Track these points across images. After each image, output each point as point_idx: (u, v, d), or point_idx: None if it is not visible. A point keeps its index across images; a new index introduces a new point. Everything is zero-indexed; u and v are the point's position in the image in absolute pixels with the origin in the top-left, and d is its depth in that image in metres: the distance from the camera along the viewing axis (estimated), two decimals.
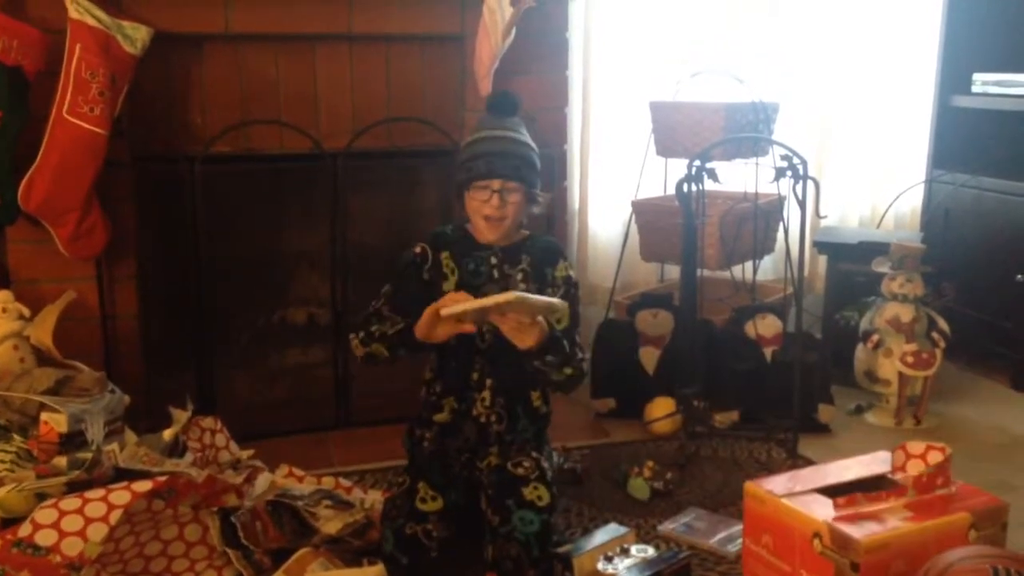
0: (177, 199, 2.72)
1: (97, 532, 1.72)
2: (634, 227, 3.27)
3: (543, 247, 2.25)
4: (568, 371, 2.11)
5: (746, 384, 2.89)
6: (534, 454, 2.14)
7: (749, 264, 3.04)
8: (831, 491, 1.89)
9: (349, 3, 2.79)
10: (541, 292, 2.18)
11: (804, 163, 2.59)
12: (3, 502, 1.83)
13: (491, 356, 2.18)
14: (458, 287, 2.17)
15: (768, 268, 3.49)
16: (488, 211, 2.13)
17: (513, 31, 2.84)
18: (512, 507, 2.01)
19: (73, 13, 2.47)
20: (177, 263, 2.79)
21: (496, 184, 2.12)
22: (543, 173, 2.98)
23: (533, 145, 2.20)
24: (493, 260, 2.20)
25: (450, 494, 2.09)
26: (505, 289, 2.17)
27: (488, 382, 2.19)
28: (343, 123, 2.92)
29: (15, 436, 2.11)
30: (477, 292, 2.17)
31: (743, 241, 3.00)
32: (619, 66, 3.41)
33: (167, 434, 2.23)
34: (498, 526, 2.01)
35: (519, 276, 2.20)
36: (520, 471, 2.08)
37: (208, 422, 2.39)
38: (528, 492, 2.04)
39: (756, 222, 2.92)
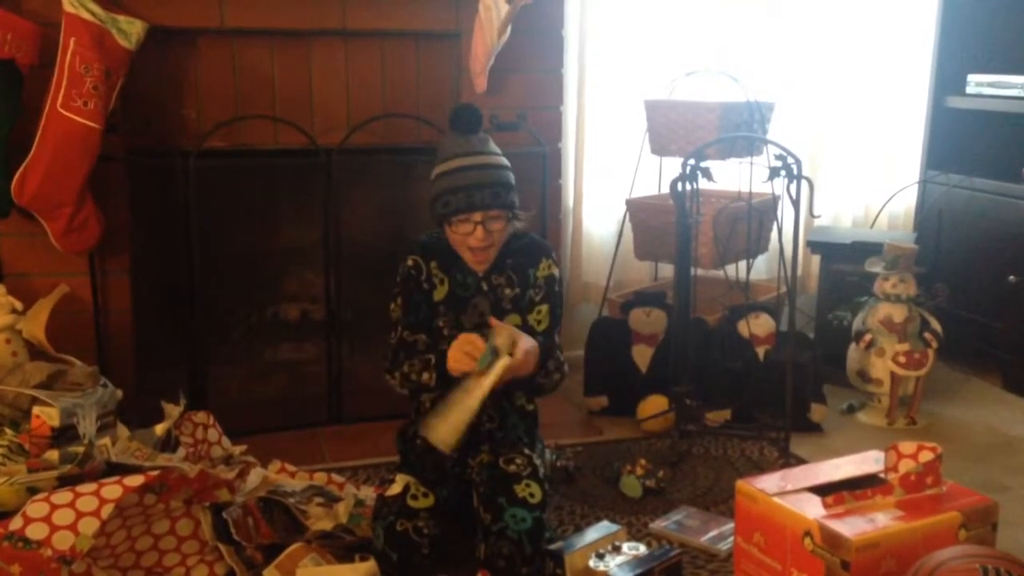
0: (171, 194, 2.72)
1: (88, 526, 1.72)
2: (628, 225, 3.27)
3: (525, 247, 2.22)
4: (557, 376, 2.16)
5: (739, 383, 2.90)
6: (526, 451, 2.14)
7: (743, 263, 3.04)
8: (823, 490, 1.89)
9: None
10: (523, 294, 2.19)
11: (798, 163, 2.59)
12: None
13: None
14: (447, 297, 2.18)
15: (761, 267, 3.50)
16: (473, 243, 2.10)
17: (509, 28, 2.84)
18: (504, 504, 2.01)
19: (68, 7, 2.46)
20: (170, 258, 2.78)
21: (478, 216, 2.08)
22: (536, 171, 3.00)
23: (505, 162, 2.15)
24: (480, 273, 2.19)
25: (441, 491, 2.09)
26: (495, 300, 2.17)
27: None
28: (338, 119, 2.92)
29: (7, 430, 2.11)
30: (465, 304, 2.18)
31: (737, 240, 3.01)
32: (614, 64, 3.41)
33: (159, 429, 2.23)
34: (490, 524, 2.01)
35: (505, 281, 2.19)
36: (512, 468, 2.08)
37: (200, 417, 2.39)
38: (520, 489, 2.03)
39: (750, 221, 2.92)
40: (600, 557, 1.94)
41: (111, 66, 2.51)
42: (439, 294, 2.18)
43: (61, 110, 2.47)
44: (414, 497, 2.06)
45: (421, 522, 2.02)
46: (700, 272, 2.98)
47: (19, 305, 2.48)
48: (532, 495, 2.03)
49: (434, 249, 2.20)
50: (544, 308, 2.21)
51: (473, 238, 2.10)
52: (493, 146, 2.17)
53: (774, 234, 2.99)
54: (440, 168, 2.14)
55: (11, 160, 2.51)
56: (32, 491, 1.82)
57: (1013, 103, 3.42)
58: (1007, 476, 2.64)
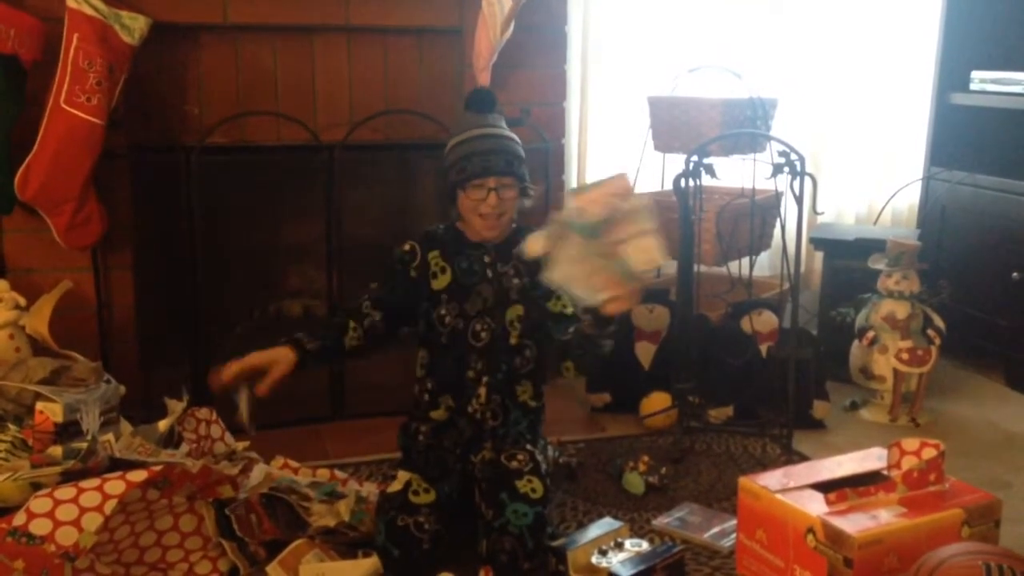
0: (174, 190, 2.72)
1: (92, 521, 1.72)
2: None
3: None
4: (608, 342, 2.12)
5: (741, 380, 2.90)
6: (528, 447, 2.14)
7: (746, 260, 3.04)
8: (825, 487, 1.89)
9: None
10: (532, 283, 2.15)
11: (801, 159, 2.59)
12: None
13: (486, 354, 2.18)
14: (450, 286, 2.18)
15: (765, 264, 3.49)
16: (486, 209, 2.12)
17: (512, 24, 2.84)
18: (505, 500, 2.01)
19: (71, 2, 2.46)
20: (173, 254, 2.79)
21: (492, 182, 2.11)
22: (539, 166, 3.00)
23: (518, 139, 2.19)
24: (486, 259, 2.19)
25: (443, 487, 2.10)
26: (500, 288, 2.16)
27: (484, 379, 2.19)
28: (340, 115, 2.92)
29: (10, 425, 2.11)
30: (470, 291, 2.17)
31: (740, 237, 3.00)
32: (617, 61, 3.41)
33: (162, 424, 2.23)
34: (492, 520, 2.01)
35: (512, 272, 2.19)
36: (514, 464, 2.08)
37: (203, 413, 2.38)
38: (522, 485, 2.04)
39: (753, 218, 2.92)
40: (603, 553, 1.94)
41: (114, 61, 2.51)
42: (440, 283, 2.18)
43: (64, 106, 2.47)
44: (415, 493, 2.06)
45: (422, 518, 2.02)
46: (703, 269, 2.98)
47: (22, 301, 2.48)
48: (534, 491, 2.04)
49: (437, 238, 2.21)
50: (568, 301, 2.16)
51: (486, 204, 2.11)
52: (505, 125, 2.20)
53: (777, 231, 2.99)
54: (455, 140, 2.18)
55: (14, 156, 2.51)
56: (35, 487, 1.82)
57: (1017, 100, 3.41)
58: (1010, 473, 2.63)
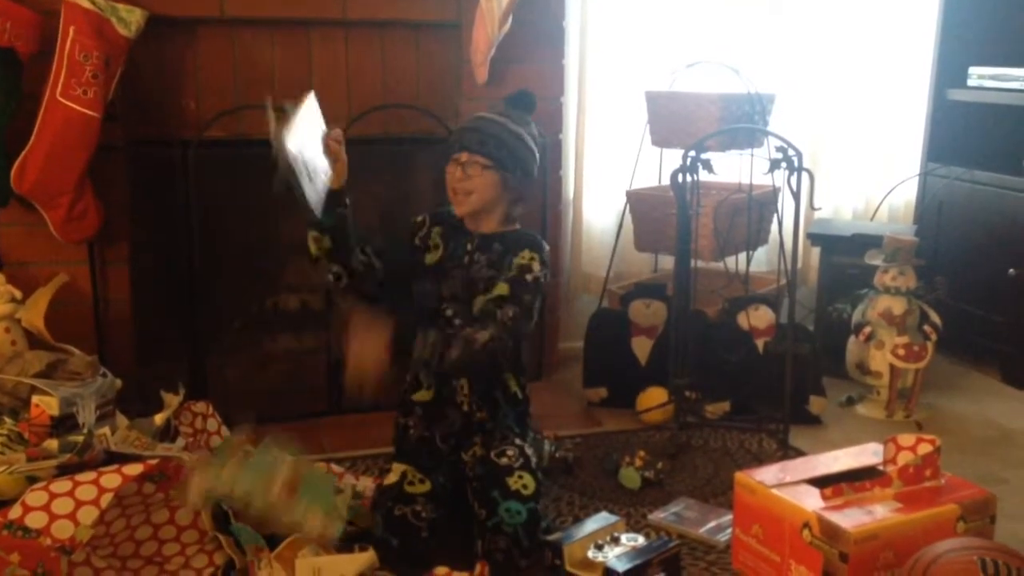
0: (171, 184, 2.72)
1: (88, 515, 1.72)
2: (628, 217, 3.27)
3: (518, 237, 2.20)
4: (495, 331, 2.03)
5: (738, 375, 2.90)
6: (517, 441, 2.14)
7: (743, 255, 3.04)
8: (821, 482, 1.90)
9: None
10: (496, 278, 2.14)
11: (799, 155, 2.59)
12: None
13: None
14: (437, 264, 2.19)
15: (762, 260, 3.49)
16: (452, 183, 2.14)
17: (510, 19, 2.83)
18: (498, 499, 2.01)
19: None
20: (170, 248, 2.78)
21: (463, 157, 2.12)
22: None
23: (519, 133, 2.17)
24: (469, 246, 2.19)
25: (437, 477, 2.10)
26: (469, 276, 2.16)
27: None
28: (338, 109, 2.91)
29: (6, 419, 2.11)
30: (448, 273, 2.18)
31: (737, 232, 3.00)
32: (615, 55, 3.40)
33: (158, 418, 2.23)
34: (485, 519, 2.01)
35: (483, 260, 2.17)
36: (504, 460, 2.08)
37: (199, 407, 2.38)
38: (513, 482, 2.04)
39: (750, 213, 2.92)
40: (599, 548, 1.94)
41: (110, 54, 2.50)
42: (432, 258, 2.20)
43: (60, 98, 2.46)
44: (411, 483, 2.07)
45: (419, 506, 2.03)
46: (700, 264, 2.98)
47: (18, 294, 2.48)
48: (525, 487, 2.04)
49: (443, 217, 2.24)
50: (503, 287, 2.10)
51: (452, 177, 2.14)
52: (522, 122, 2.20)
53: (774, 226, 2.99)
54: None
55: (11, 149, 2.50)
56: (31, 480, 1.82)
57: (1014, 95, 3.41)
58: (1005, 469, 2.64)
